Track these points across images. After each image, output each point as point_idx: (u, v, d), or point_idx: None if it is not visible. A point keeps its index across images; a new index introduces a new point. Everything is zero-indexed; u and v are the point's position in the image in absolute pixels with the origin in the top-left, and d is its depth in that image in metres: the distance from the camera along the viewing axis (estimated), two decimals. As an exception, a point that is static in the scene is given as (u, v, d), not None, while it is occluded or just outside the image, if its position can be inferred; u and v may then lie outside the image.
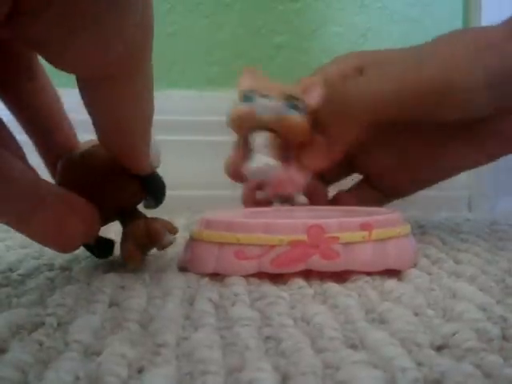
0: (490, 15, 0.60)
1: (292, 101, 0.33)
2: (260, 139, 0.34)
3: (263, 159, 0.33)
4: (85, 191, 0.24)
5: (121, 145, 0.23)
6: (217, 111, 0.57)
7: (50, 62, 0.19)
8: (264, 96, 0.34)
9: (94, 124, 0.22)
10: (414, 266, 0.29)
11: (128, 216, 0.28)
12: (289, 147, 0.35)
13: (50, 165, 0.28)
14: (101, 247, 0.29)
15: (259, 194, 0.37)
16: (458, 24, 0.62)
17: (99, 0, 0.17)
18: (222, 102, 0.56)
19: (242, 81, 0.35)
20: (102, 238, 0.28)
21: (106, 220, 0.27)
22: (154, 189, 0.28)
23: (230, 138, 0.51)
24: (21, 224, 0.21)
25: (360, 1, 0.60)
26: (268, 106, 0.33)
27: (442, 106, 0.34)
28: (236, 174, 0.37)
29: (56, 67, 0.19)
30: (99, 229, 0.26)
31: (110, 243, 0.29)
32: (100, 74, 0.20)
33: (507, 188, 0.59)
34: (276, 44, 0.59)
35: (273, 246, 0.26)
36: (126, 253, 0.27)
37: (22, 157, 0.23)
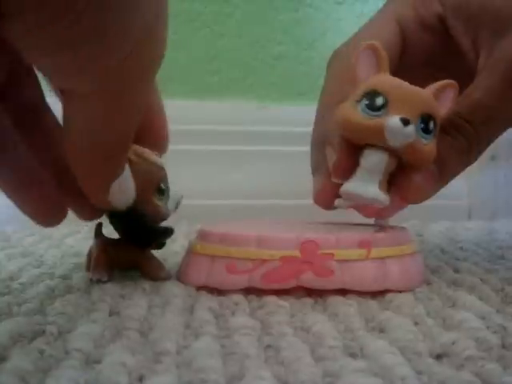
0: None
1: (427, 121, 0.25)
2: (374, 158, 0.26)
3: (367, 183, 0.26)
4: None
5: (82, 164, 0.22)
6: (217, 120, 0.57)
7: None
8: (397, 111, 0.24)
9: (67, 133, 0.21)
10: (420, 286, 0.27)
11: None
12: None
13: None
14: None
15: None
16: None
17: (78, 22, 0.16)
18: (222, 111, 0.57)
19: (361, 66, 0.26)
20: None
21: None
22: (116, 226, 0.27)
23: (230, 147, 0.51)
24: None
25: (359, 11, 0.61)
26: (401, 133, 0.24)
27: None
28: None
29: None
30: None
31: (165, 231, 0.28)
32: (74, 87, 0.19)
33: (506, 197, 0.59)
34: (276, 54, 0.59)
35: (264, 261, 0.25)
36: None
37: None
